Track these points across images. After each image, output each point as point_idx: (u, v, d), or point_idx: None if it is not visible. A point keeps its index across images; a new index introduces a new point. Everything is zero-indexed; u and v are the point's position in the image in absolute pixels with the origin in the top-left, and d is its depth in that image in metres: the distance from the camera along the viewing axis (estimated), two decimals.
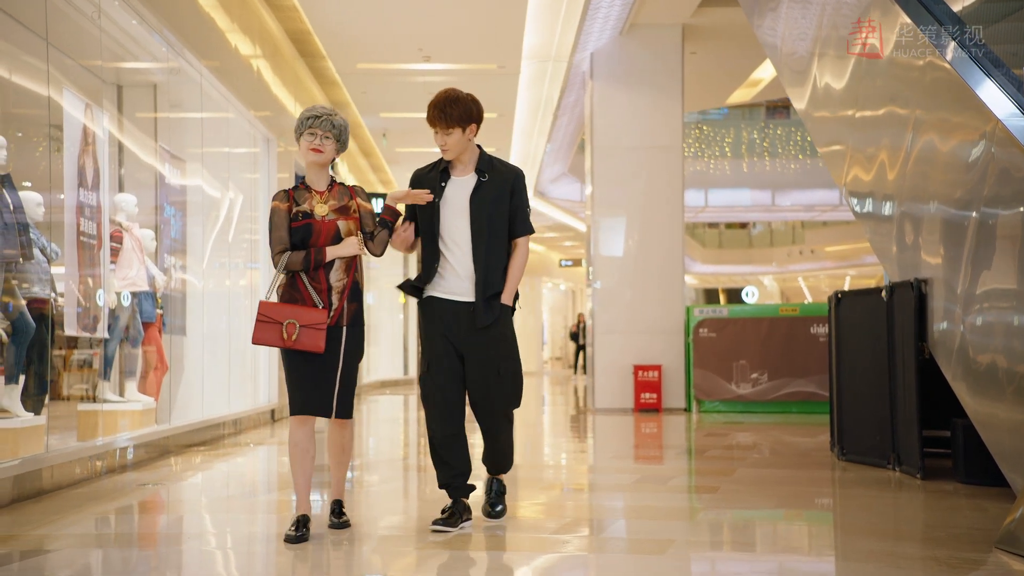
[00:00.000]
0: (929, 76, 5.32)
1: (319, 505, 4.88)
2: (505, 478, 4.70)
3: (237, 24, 9.33)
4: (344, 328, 4.26)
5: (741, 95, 17.05)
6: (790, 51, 7.61)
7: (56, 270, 6.28)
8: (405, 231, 4.40)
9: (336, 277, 4.25)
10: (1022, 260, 4.31)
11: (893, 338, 6.08)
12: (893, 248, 6.02)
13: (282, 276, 4.27)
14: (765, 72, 15.21)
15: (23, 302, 5.93)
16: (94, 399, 7.20)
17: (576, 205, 22.05)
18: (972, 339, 4.90)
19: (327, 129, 4.28)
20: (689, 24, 11.92)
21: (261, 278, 10.30)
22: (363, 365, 17.85)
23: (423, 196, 4.31)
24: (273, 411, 10.56)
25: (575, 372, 27.32)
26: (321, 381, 4.23)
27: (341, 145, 4.36)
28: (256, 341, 4.19)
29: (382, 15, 10.52)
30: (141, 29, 7.31)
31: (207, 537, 4.56)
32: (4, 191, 5.68)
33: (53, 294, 6.24)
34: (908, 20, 5.44)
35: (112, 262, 7.15)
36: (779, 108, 23.82)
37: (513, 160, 17.49)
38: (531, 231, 4.46)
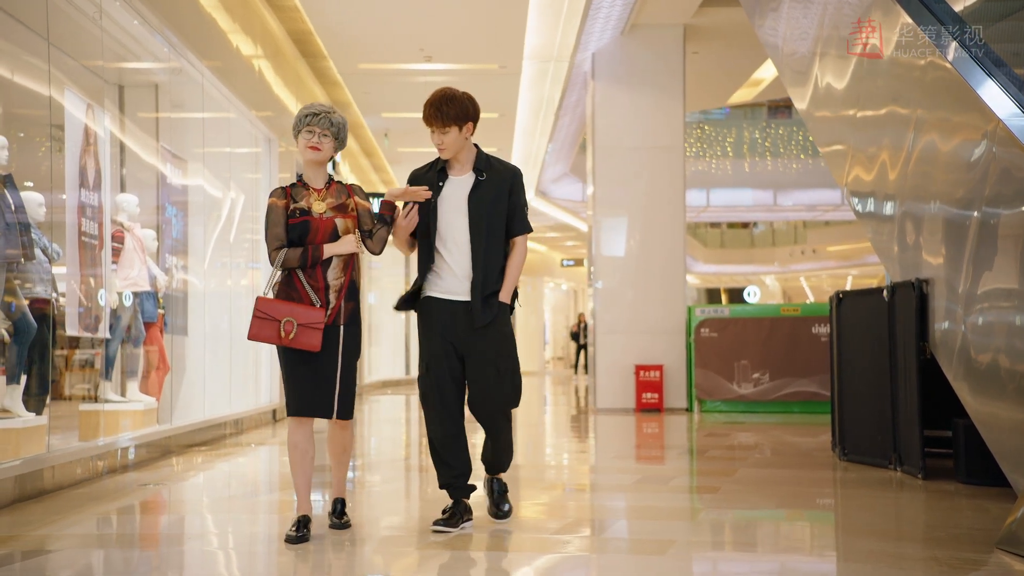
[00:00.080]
0: (930, 76, 5.32)
1: (320, 505, 4.88)
2: (507, 478, 4.68)
3: (239, 24, 9.34)
4: (342, 327, 4.25)
5: (743, 95, 17.05)
6: (791, 51, 7.60)
7: (58, 270, 6.29)
8: (407, 219, 4.30)
9: (333, 275, 4.23)
10: (1023, 260, 4.30)
11: (894, 338, 6.08)
12: (894, 248, 6.02)
13: (279, 273, 4.25)
14: (767, 72, 15.21)
15: (25, 302, 5.94)
16: (96, 399, 7.21)
17: (578, 205, 22.05)
18: (973, 339, 4.90)
19: (325, 127, 4.25)
20: (691, 24, 11.92)
21: (262, 278, 10.31)
22: (364, 365, 17.92)
23: (421, 193, 4.29)
24: (275, 411, 10.57)
25: (576, 372, 27.32)
26: (320, 381, 4.22)
27: (340, 143, 4.34)
28: (252, 337, 4.16)
29: (383, 15, 10.53)
30: (143, 29, 7.31)
31: (208, 537, 4.56)
32: (6, 191, 5.68)
33: (55, 294, 6.24)
34: (909, 20, 5.43)
35: (114, 262, 7.16)
36: (781, 108, 23.81)
37: (515, 160, 17.49)
38: (529, 230, 4.44)
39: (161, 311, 8.03)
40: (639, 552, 4.01)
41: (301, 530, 4.13)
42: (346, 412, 4.28)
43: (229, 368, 9.62)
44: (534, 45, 11.83)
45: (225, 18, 8.93)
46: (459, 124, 4.28)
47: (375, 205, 4.44)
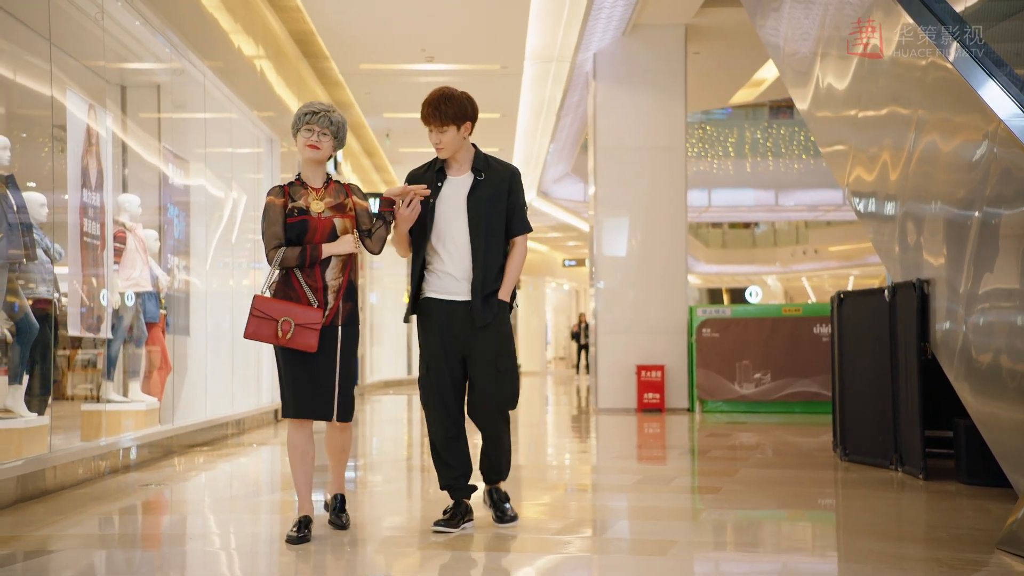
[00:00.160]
0: (931, 76, 5.32)
1: (321, 505, 4.88)
2: (508, 479, 4.63)
3: (240, 25, 9.35)
4: (340, 328, 4.23)
5: (744, 95, 17.03)
6: (792, 51, 7.60)
7: (60, 270, 6.29)
8: (410, 208, 4.22)
9: (332, 276, 4.21)
10: None
11: (895, 338, 6.08)
12: (896, 248, 6.02)
13: (276, 272, 4.22)
14: (768, 72, 15.20)
15: (28, 302, 5.95)
16: (98, 399, 7.22)
17: (579, 205, 22.05)
18: (974, 339, 4.90)
19: (325, 125, 4.23)
20: (692, 24, 11.92)
21: (264, 278, 10.31)
22: (366, 365, 17.93)
23: (420, 191, 4.27)
24: (276, 411, 10.57)
25: (578, 372, 27.32)
26: (320, 383, 4.19)
27: (339, 142, 4.32)
28: (249, 336, 4.14)
29: (385, 16, 10.53)
30: (144, 30, 7.32)
31: (210, 538, 4.57)
32: (8, 192, 5.69)
33: (57, 294, 6.25)
34: (910, 20, 5.43)
35: (116, 262, 7.16)
36: (782, 108, 23.79)
37: (516, 160, 17.49)
38: (529, 229, 4.42)
39: (163, 311, 8.04)
40: (640, 552, 4.01)
41: (302, 530, 4.13)
42: (346, 414, 4.26)
43: (231, 368, 9.63)
44: (536, 45, 11.83)
45: (227, 18, 8.94)
46: (457, 124, 4.26)
47: (374, 205, 4.42)
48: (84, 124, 6.41)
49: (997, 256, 4.56)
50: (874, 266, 27.33)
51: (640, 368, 11.53)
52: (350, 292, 4.27)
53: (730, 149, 22.32)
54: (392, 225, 4.33)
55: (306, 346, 4.10)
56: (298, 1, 10.10)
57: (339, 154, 13.57)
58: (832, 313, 7.11)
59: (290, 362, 4.20)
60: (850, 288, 9.11)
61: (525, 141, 16.74)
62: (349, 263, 4.26)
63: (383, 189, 18.39)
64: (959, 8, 6.00)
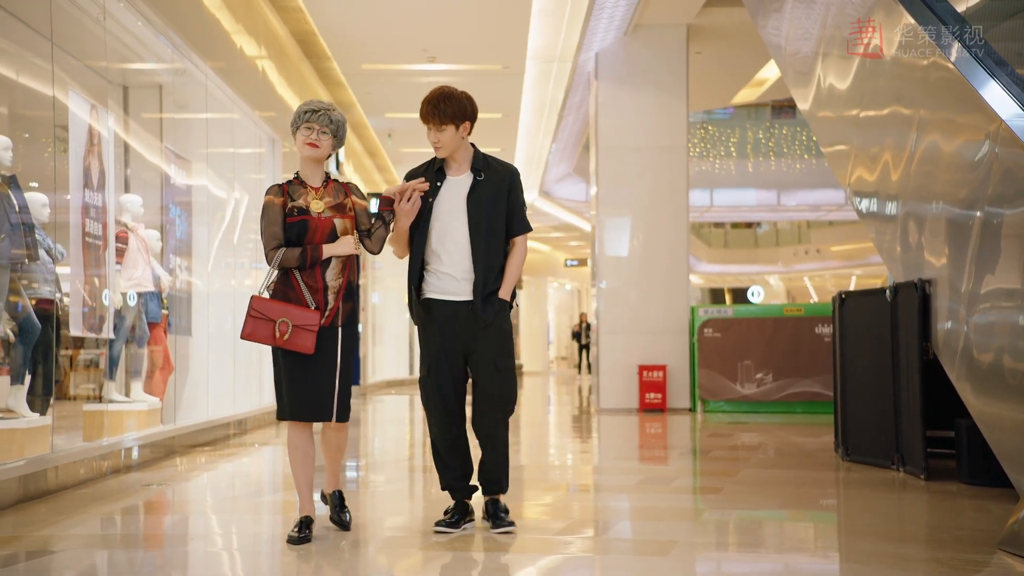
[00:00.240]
0: (933, 76, 5.32)
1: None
2: (508, 479, 4.61)
3: (242, 25, 9.35)
4: (339, 328, 4.22)
5: (746, 95, 17.03)
6: (794, 51, 7.60)
7: (62, 270, 6.30)
8: (411, 202, 4.21)
9: (332, 276, 4.19)
10: None
11: (897, 338, 6.08)
12: (897, 248, 6.02)
13: (275, 272, 4.20)
14: (770, 72, 15.20)
15: (30, 302, 5.95)
16: (100, 399, 7.23)
17: (581, 205, 22.05)
18: (976, 339, 4.89)
19: (324, 124, 4.21)
20: (694, 24, 11.92)
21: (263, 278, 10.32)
22: (368, 365, 17.93)
23: (419, 186, 4.25)
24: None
25: (579, 372, 27.32)
26: (319, 384, 4.18)
27: (338, 141, 4.30)
28: (247, 336, 4.12)
29: (387, 16, 10.53)
30: (146, 30, 7.33)
31: (212, 538, 4.57)
32: (10, 192, 5.70)
33: (59, 294, 6.26)
34: (911, 20, 5.43)
35: (117, 262, 7.17)
36: (784, 108, 23.78)
37: (518, 160, 17.50)
38: (529, 229, 4.40)
39: (165, 311, 8.04)
40: (642, 553, 4.02)
41: (303, 531, 4.14)
42: (344, 414, 4.25)
43: (233, 368, 9.64)
44: (537, 45, 11.83)
45: (228, 19, 8.94)
46: (456, 123, 4.24)
47: (373, 205, 4.42)
48: (86, 124, 6.41)
49: (999, 256, 4.56)
50: (876, 266, 27.32)
51: (642, 368, 11.53)
52: (350, 292, 4.26)
53: (732, 149, 22.32)
54: (391, 224, 4.31)
55: (303, 348, 4.09)
56: (300, 2, 10.10)
57: (341, 154, 13.58)
58: (833, 313, 7.11)
59: (289, 363, 4.18)
60: (852, 288, 9.09)
61: (527, 141, 16.74)
62: (349, 263, 4.24)
63: (385, 189, 18.43)
64: (960, 8, 6.00)
